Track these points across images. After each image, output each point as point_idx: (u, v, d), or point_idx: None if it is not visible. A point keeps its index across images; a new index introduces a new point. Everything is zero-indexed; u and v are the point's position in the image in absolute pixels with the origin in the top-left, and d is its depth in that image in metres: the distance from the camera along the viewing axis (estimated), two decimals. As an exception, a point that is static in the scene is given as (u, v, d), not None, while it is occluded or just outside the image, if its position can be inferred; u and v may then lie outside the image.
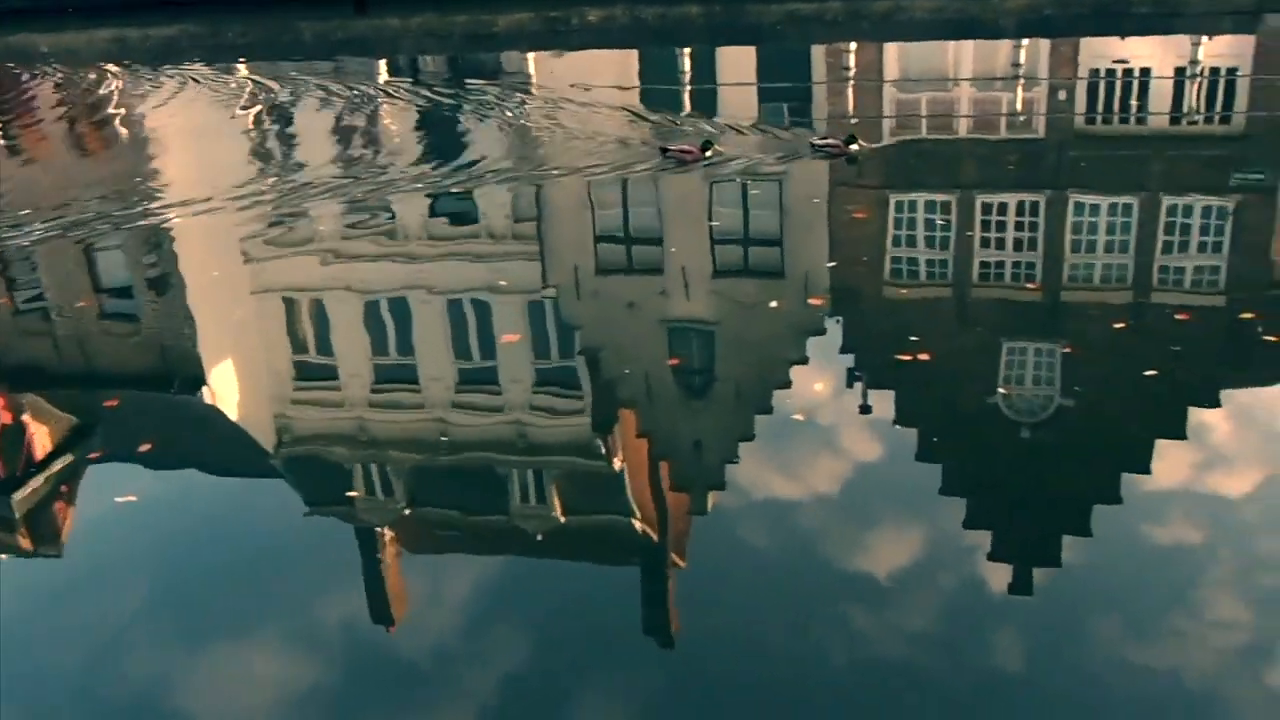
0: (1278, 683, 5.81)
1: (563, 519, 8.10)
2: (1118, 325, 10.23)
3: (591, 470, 8.92)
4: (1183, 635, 6.17)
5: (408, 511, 8.13)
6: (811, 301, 11.12)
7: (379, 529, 7.85)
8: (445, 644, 6.48)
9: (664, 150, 15.13)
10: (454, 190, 14.58)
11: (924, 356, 9.62)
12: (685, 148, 14.87)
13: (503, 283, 11.81)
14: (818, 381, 9.56)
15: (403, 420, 9.73)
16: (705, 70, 23.00)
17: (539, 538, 7.83)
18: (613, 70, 22.39)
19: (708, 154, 14.57)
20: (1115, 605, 6.45)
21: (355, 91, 22.05)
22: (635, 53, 25.15)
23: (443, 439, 9.21)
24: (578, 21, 27.97)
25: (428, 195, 14.51)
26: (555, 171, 15.03)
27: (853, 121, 17.75)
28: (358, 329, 11.21)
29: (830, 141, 15.15)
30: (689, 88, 21.68)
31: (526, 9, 28.79)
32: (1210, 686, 5.82)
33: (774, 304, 11.06)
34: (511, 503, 8.45)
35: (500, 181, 14.83)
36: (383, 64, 25.89)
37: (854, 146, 14.83)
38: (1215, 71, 20.22)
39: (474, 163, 15.81)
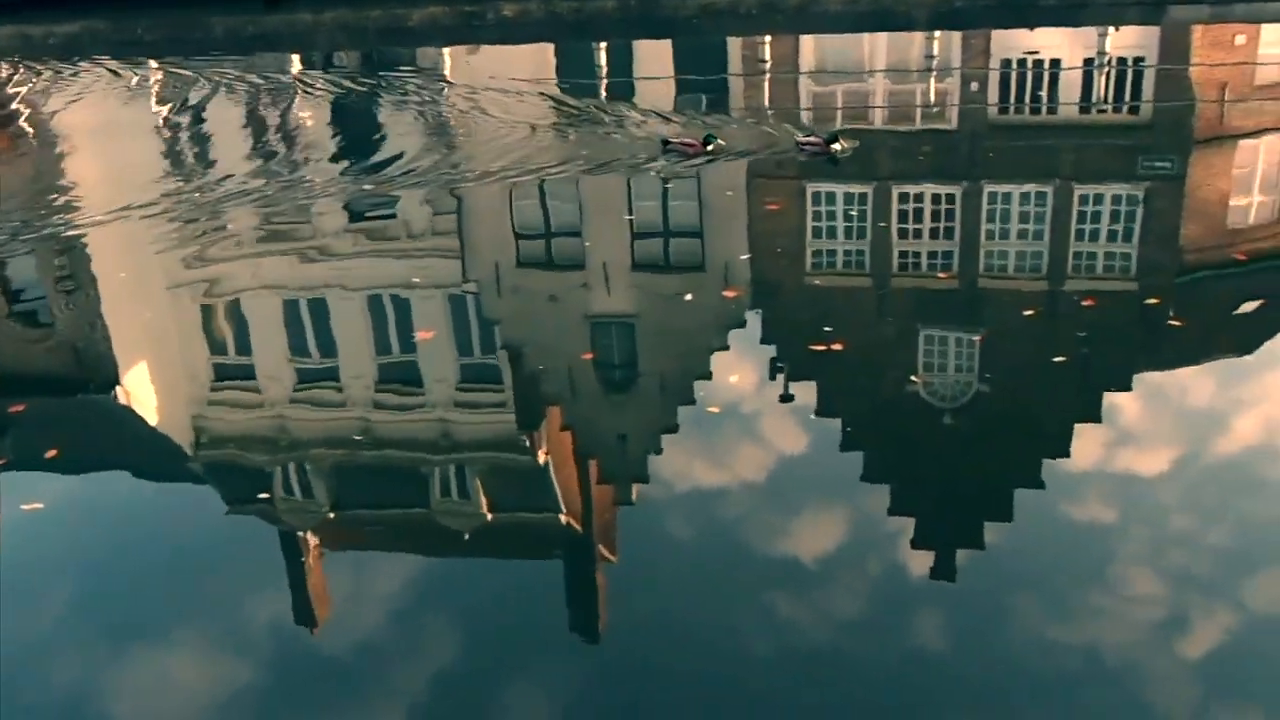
0: (1191, 656, 5.96)
1: (488, 515, 8.06)
2: (1033, 312, 10.41)
3: (516, 465, 8.89)
4: (1101, 613, 6.30)
5: (330, 512, 8.04)
6: (731, 293, 11.16)
7: (301, 530, 7.75)
8: (370, 643, 6.41)
9: (665, 143, 14.81)
10: (368, 187, 14.40)
11: (844, 346, 9.70)
12: (687, 141, 14.60)
13: (419, 280, 11.71)
14: (740, 372, 9.60)
15: (324, 419, 9.61)
16: (622, 64, 22.99)
17: (464, 534, 7.79)
18: (529, 64, 22.28)
19: (709, 148, 14.30)
20: (1035, 586, 6.56)
21: (269, 85, 21.73)
22: (551, 47, 25.07)
23: (364, 437, 9.11)
24: (493, 16, 27.78)
25: (346, 195, 14.33)
26: (513, 173, 14.87)
27: (769, 113, 17.84)
28: (276, 328, 11.05)
29: (812, 140, 14.64)
30: (605, 81, 21.67)
31: (441, 3, 28.55)
32: (1127, 661, 5.95)
33: (694, 296, 11.09)
34: (435, 500, 8.39)
35: (420, 183, 14.68)
36: (295, 58, 25.54)
37: (836, 146, 14.28)
38: (1123, 62, 20.61)
39: (392, 160, 15.65)
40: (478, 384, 10.03)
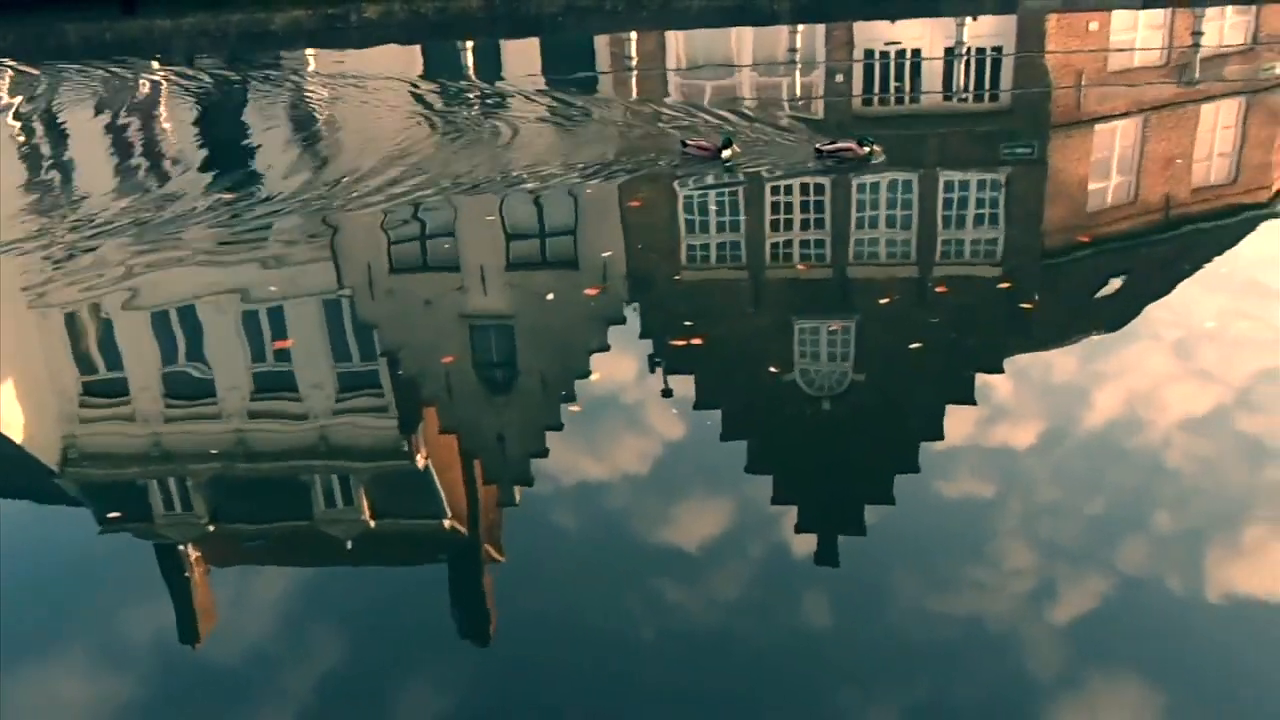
0: (1064, 621, 6.17)
1: (371, 522, 7.96)
2: (904, 298, 10.64)
3: (398, 471, 8.80)
4: (978, 585, 6.50)
5: (210, 525, 7.87)
6: (608, 291, 11.18)
7: (180, 544, 7.57)
8: (257, 656, 6.30)
9: (683, 144, 14.36)
10: (227, 197, 14.05)
11: (720, 339, 9.79)
12: (702, 144, 14.25)
13: (282, 289, 11.49)
14: (619, 368, 9.63)
15: (200, 431, 9.40)
16: (490, 63, 22.88)
17: (348, 543, 7.69)
18: (396, 66, 22.05)
19: (725, 152, 13.90)
20: (915, 563, 6.73)
21: (129, 92, 21.15)
22: (418, 48, 24.85)
23: (242, 449, 8.94)
24: (356, 18, 27.44)
25: (215, 202, 13.99)
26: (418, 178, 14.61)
27: (647, 107, 17.89)
28: (147, 342, 10.76)
29: (842, 146, 13.72)
30: (475, 80, 21.53)
31: (303, 6, 28.08)
32: (1004, 629, 6.16)
33: (572, 294, 11.09)
34: (318, 509, 8.27)
35: (295, 197, 14.43)
36: (155, 65, 24.90)
37: (866, 149, 13.64)
38: (981, 51, 21.15)
39: (262, 174, 15.36)
40: (356, 390, 9.90)
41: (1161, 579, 6.54)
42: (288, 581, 7.14)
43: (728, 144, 13.97)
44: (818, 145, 13.97)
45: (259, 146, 17.00)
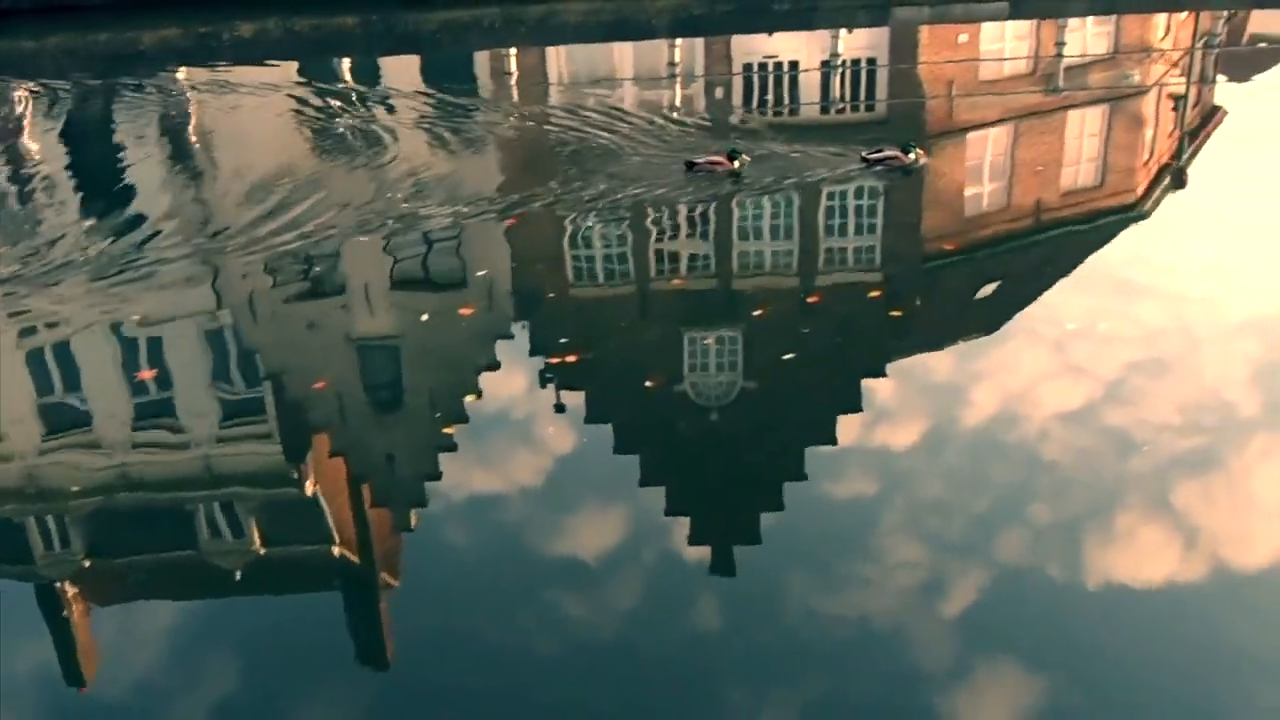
0: (950, 613, 6.38)
1: (260, 551, 7.82)
2: (787, 307, 10.78)
3: (285, 498, 8.66)
4: (868, 582, 6.67)
5: (90, 561, 7.66)
6: (495, 308, 11.15)
7: (59, 583, 7.35)
8: (146, 695, 6.15)
9: (690, 164, 13.81)
10: (103, 240, 13.56)
11: (611, 352, 9.83)
12: (715, 159, 13.79)
13: (174, 313, 11.21)
14: (510, 385, 9.61)
15: (77, 465, 9.12)
16: (369, 80, 22.63)
17: (237, 573, 7.54)
18: (273, 84, 21.67)
19: (736, 164, 13.58)
20: (810, 567, 6.84)
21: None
22: (295, 64, 24.47)
23: (123, 481, 8.71)
24: (229, 36, 26.92)
25: (89, 234, 13.55)
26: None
27: (528, 124, 17.86)
28: (19, 374, 10.42)
29: (888, 154, 13.64)
30: (355, 98, 21.26)
31: (174, 25, 27.51)
32: (895, 623, 6.36)
33: (459, 313, 11.01)
34: (204, 539, 8.10)
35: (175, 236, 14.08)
36: (19, 85, 24.13)
37: (912, 155, 13.61)
38: (856, 62, 21.53)
39: (137, 199, 14.99)
40: (239, 418, 9.72)
41: (1041, 568, 6.78)
42: (176, 616, 6.98)
43: (735, 155, 13.73)
44: (863, 154, 13.87)
45: (132, 168, 16.58)
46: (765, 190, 13.20)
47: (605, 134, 15.84)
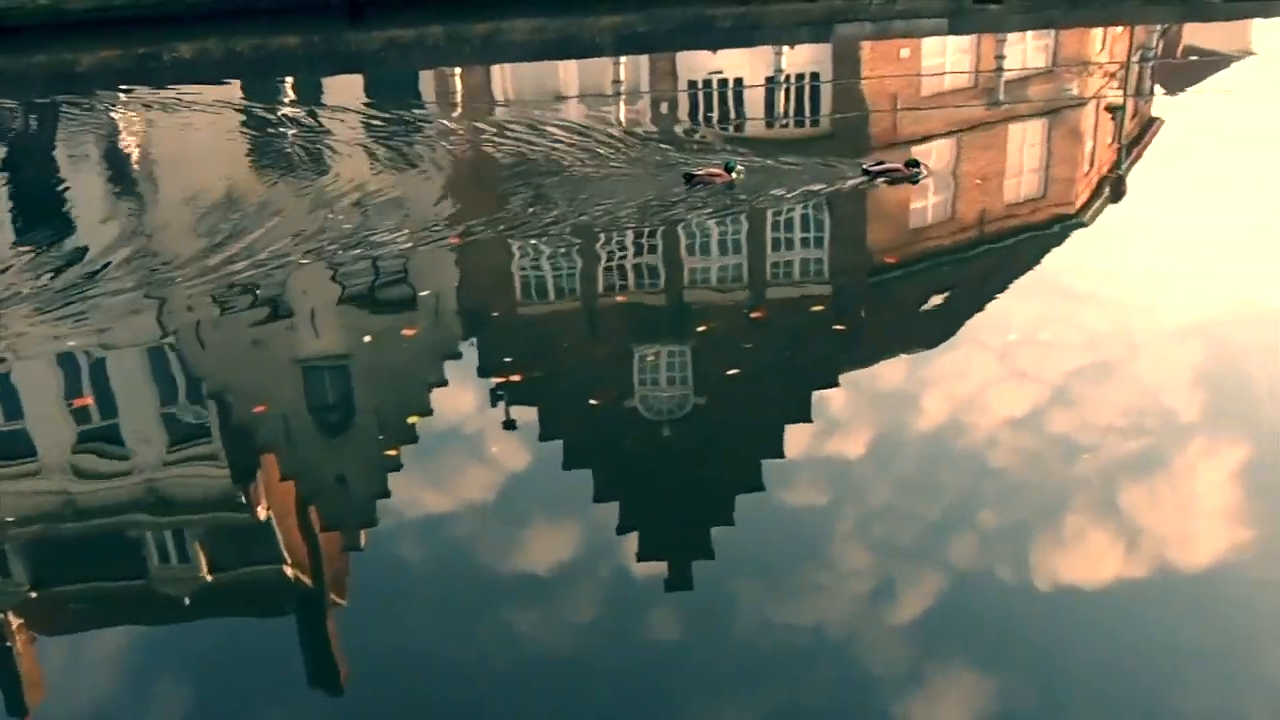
0: (903, 619, 6.43)
1: (209, 577, 7.73)
2: (738, 321, 10.83)
3: (234, 522, 8.56)
4: (822, 591, 6.74)
5: (34, 591, 7.52)
6: (444, 325, 11.11)
7: (2, 613, 7.22)
8: (93, 725, 6.06)
9: (689, 177, 13.85)
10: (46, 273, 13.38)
11: (561, 369, 9.82)
12: (713, 171, 13.87)
13: (113, 335, 11.07)
14: (460, 404, 9.57)
15: (18, 492, 8.97)
16: (313, 100, 22.52)
17: (187, 599, 7.44)
18: (216, 104, 21.51)
19: (733, 175, 13.70)
20: (763, 578, 6.86)
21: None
22: (237, 85, 24.31)
23: (68, 509, 8.58)
24: (169, 57, 26.71)
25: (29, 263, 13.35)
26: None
27: (476, 140, 17.83)
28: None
29: (889, 166, 14.02)
30: (299, 118, 21.14)
31: (112, 46, 27.24)
32: (850, 632, 6.42)
33: (407, 331, 10.96)
34: (151, 566, 7.99)
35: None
36: None
37: (914, 169, 13.94)
38: (800, 78, 21.70)
39: (77, 228, 14.79)
40: (186, 441, 9.60)
41: (992, 572, 6.85)
42: (123, 644, 6.88)
43: (731, 167, 13.88)
44: (865, 166, 14.12)
45: (72, 193, 16.39)
46: (773, 203, 13.30)
47: (555, 150, 15.87)
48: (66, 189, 16.75)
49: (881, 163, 14.22)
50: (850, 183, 13.92)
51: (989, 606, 6.58)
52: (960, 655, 6.12)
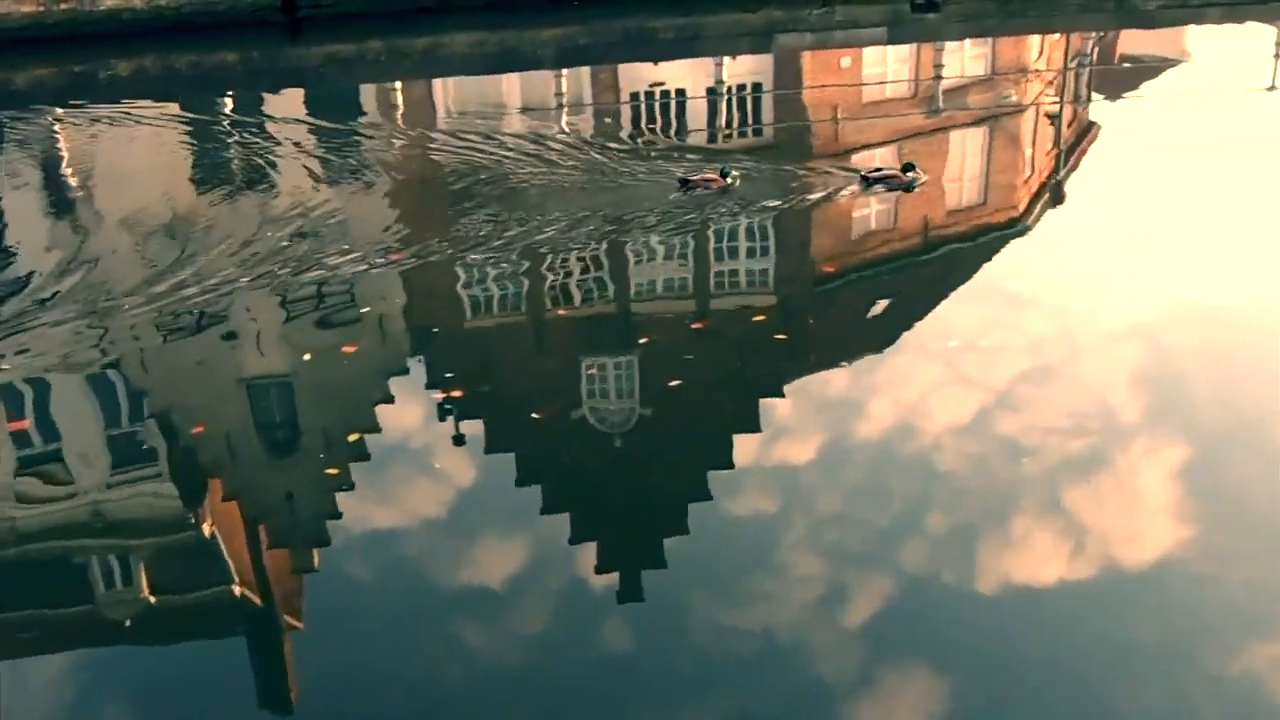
0: (854, 623, 6.50)
1: (153, 599, 7.63)
2: (685, 332, 10.85)
3: (179, 543, 8.46)
4: (772, 598, 6.78)
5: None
6: (390, 341, 11.04)
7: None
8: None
9: (684, 183, 13.89)
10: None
11: (509, 382, 9.79)
12: (710, 177, 13.87)
13: (60, 360, 10.90)
14: (408, 420, 9.52)
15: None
16: (253, 116, 22.34)
17: (134, 623, 7.34)
18: (155, 122, 21.28)
19: (729, 180, 13.72)
20: (716, 587, 6.89)
21: None
22: (175, 103, 24.07)
23: (8, 535, 8.43)
24: (105, 75, 26.39)
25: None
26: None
27: (419, 153, 17.76)
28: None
29: (888, 173, 14.20)
30: (241, 135, 20.96)
31: (47, 64, 26.88)
32: (800, 637, 6.48)
33: (352, 348, 10.87)
34: (99, 591, 7.87)
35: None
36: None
37: (911, 174, 14.03)
38: (742, 88, 21.80)
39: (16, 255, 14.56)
40: (130, 464, 9.47)
41: (940, 575, 6.91)
42: (70, 669, 6.77)
43: (726, 172, 13.96)
44: (863, 173, 14.35)
45: (9, 215, 16.15)
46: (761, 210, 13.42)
47: (503, 162, 15.85)
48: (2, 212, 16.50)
49: (880, 169, 14.45)
50: (848, 189, 14.08)
51: (938, 609, 6.65)
52: (910, 658, 6.17)
